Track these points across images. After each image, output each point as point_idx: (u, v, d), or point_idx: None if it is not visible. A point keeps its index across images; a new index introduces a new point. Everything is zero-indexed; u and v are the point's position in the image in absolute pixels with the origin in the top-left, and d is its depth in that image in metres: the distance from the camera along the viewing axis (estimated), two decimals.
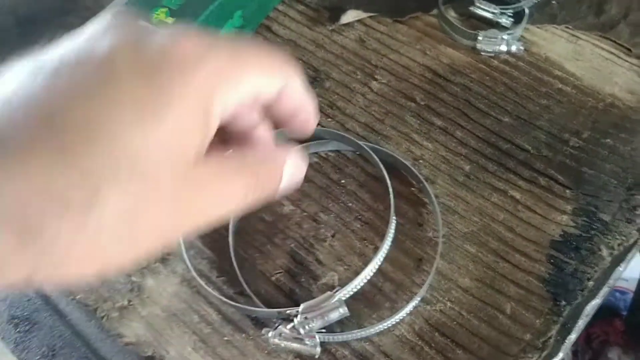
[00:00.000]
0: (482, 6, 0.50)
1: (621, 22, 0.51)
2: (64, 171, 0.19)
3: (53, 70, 0.21)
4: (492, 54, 0.48)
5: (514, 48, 0.48)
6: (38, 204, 0.19)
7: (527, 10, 0.50)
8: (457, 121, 0.46)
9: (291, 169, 0.27)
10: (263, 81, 0.25)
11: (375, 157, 0.42)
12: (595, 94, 0.47)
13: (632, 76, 0.48)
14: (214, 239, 0.42)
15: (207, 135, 0.23)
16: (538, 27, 0.51)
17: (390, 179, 0.42)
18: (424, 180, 0.42)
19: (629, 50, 0.49)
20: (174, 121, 0.21)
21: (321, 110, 0.47)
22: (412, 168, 0.43)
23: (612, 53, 0.49)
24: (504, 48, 0.48)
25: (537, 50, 0.49)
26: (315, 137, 0.45)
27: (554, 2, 0.53)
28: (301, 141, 0.43)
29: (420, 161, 0.44)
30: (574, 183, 0.42)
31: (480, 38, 0.48)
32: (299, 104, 0.28)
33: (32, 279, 0.20)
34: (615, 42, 0.50)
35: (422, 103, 0.47)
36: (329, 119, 0.47)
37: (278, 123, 0.29)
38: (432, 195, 0.41)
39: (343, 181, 0.44)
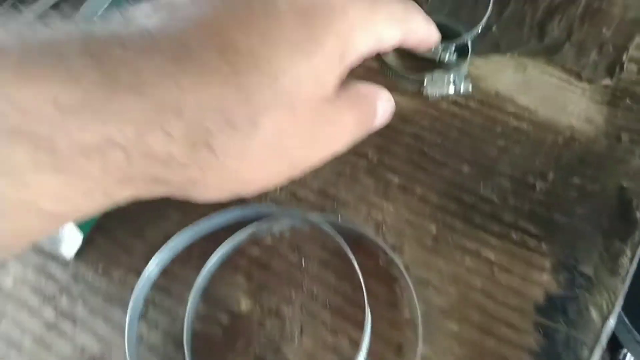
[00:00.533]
0: None
1: (566, 43, 0.49)
2: (234, 91, 0.22)
3: (221, 2, 0.24)
4: (440, 97, 0.44)
5: (462, 88, 0.44)
6: (212, 116, 0.22)
7: (470, 44, 0.47)
8: (415, 176, 0.42)
9: (384, 104, 0.31)
10: (389, 31, 0.28)
11: (332, 234, 0.38)
12: (553, 127, 0.44)
13: (587, 103, 0.45)
14: (169, 356, 0.37)
15: (340, 76, 0.26)
16: (482, 59, 0.48)
17: (355, 253, 0.38)
18: (391, 253, 0.38)
19: (578, 74, 0.47)
20: (320, 61, 0.24)
21: None
22: (376, 239, 0.39)
23: (562, 79, 0.47)
24: (452, 90, 0.45)
25: (485, 86, 0.47)
26: (264, 216, 0.40)
27: (494, 28, 0.50)
28: (250, 220, 0.39)
29: (384, 227, 0.40)
30: (548, 234, 0.39)
31: (425, 82, 0.45)
32: (420, 40, 0.31)
33: (196, 184, 0.23)
34: (563, 67, 0.47)
35: (375, 159, 0.43)
36: (277, 190, 0.42)
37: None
38: (402, 269, 0.38)
39: (303, 263, 0.39)
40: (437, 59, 0.46)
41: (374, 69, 0.48)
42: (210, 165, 0.23)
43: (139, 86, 0.21)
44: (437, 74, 0.44)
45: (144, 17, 0.24)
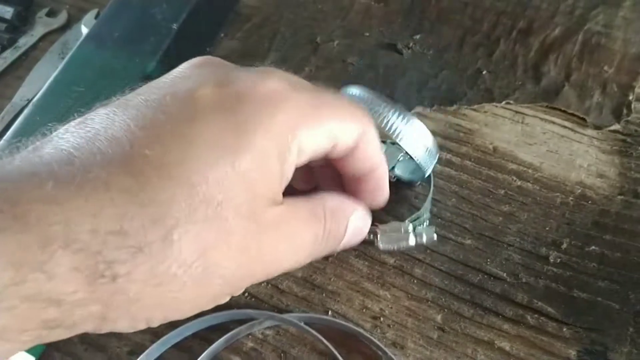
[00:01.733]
0: None
1: (565, 84, 0.44)
2: (139, 209, 0.19)
3: (136, 111, 0.20)
4: (397, 250, 0.37)
5: (425, 238, 0.35)
6: (113, 241, 0.18)
7: (432, 177, 0.40)
8: (412, 254, 0.37)
9: (356, 222, 0.29)
10: (341, 127, 0.25)
11: (321, 337, 0.33)
12: (561, 186, 0.39)
13: (596, 154, 0.40)
14: None
15: (282, 179, 0.23)
16: (475, 110, 0.43)
17: (350, 354, 0.33)
18: (391, 353, 0.33)
19: (583, 119, 0.42)
20: (252, 161, 0.21)
21: None
22: (373, 336, 0.34)
23: (566, 127, 0.42)
24: (412, 241, 0.35)
25: (481, 142, 0.42)
26: (242, 320, 0.35)
27: (484, 72, 0.45)
28: (227, 325, 0.34)
29: (381, 319, 0.35)
30: (569, 315, 0.34)
31: (379, 235, 0.35)
32: (374, 158, 0.28)
33: (104, 319, 0.20)
34: (565, 112, 0.43)
35: (366, 238, 0.38)
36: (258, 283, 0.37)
37: (350, 184, 0.30)
38: None
39: None
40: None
41: None
42: (115, 298, 0.19)
43: (16, 221, 0.18)
44: (392, 226, 0.35)
45: (53, 141, 0.21)
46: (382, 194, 0.31)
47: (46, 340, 0.20)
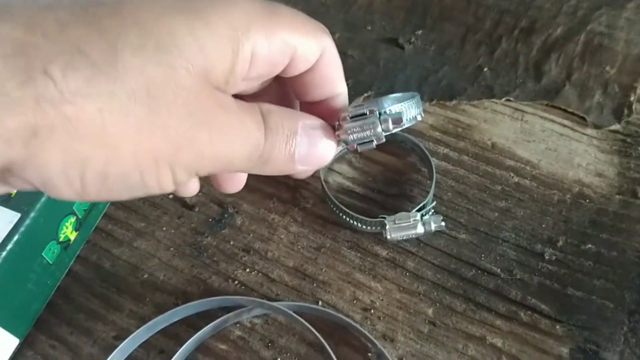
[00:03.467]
0: None
1: (566, 83, 0.44)
2: (84, 26, 0.18)
3: None
4: (405, 239, 0.36)
5: (433, 226, 0.35)
6: (55, 40, 0.17)
7: (434, 167, 0.39)
8: (405, 247, 0.37)
9: (310, 135, 0.25)
10: (300, 39, 0.24)
11: (311, 327, 0.32)
12: (559, 183, 0.39)
13: (595, 153, 0.40)
14: None
15: (232, 67, 0.22)
16: (474, 106, 0.43)
17: (339, 346, 0.32)
18: (381, 345, 0.32)
19: (583, 119, 0.42)
20: (206, 35, 0.20)
21: (235, 259, 0.37)
22: (363, 328, 0.33)
23: (565, 126, 0.41)
24: (420, 230, 0.35)
25: (480, 137, 0.41)
26: (230, 308, 0.34)
27: (485, 69, 0.45)
28: (215, 312, 0.33)
29: (372, 311, 0.34)
30: (563, 312, 0.34)
31: (387, 226, 0.35)
32: (335, 81, 0.26)
33: (39, 135, 0.17)
34: (565, 110, 0.42)
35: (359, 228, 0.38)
36: (247, 270, 0.37)
37: (308, 103, 0.27)
38: None
39: (278, 359, 0.33)
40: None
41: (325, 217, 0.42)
42: (52, 104, 0.17)
43: None
44: (400, 215, 0.35)
45: None
46: (342, 103, 0.28)
47: None
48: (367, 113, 0.26)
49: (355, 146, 0.27)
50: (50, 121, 0.18)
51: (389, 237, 0.35)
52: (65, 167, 0.19)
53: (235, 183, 0.30)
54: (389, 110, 0.27)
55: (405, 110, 0.27)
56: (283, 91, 0.29)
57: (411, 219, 0.35)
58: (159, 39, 0.19)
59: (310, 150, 0.25)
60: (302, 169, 0.25)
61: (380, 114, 0.26)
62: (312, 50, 0.25)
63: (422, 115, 0.28)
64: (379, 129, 0.26)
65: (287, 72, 0.25)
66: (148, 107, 0.19)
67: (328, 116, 0.27)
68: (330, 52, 0.26)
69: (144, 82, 0.19)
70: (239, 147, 0.23)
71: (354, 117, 0.26)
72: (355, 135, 0.26)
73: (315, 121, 0.26)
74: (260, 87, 0.27)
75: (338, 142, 0.27)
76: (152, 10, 0.20)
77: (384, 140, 0.27)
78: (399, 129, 0.27)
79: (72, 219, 0.36)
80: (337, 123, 0.27)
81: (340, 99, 0.28)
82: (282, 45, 0.23)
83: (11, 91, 0.17)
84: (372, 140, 0.26)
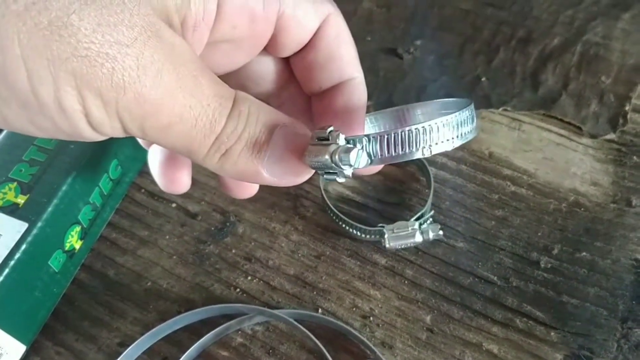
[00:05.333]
0: None
1: (562, 93, 0.44)
2: None
3: None
4: (404, 247, 0.37)
5: (431, 235, 0.36)
6: None
7: (432, 176, 0.40)
8: (403, 255, 0.38)
9: (286, 143, 0.20)
10: (305, 7, 0.21)
11: (311, 334, 0.33)
12: (555, 192, 0.39)
13: (590, 162, 0.41)
14: None
15: (185, 3, 0.18)
16: None
17: (338, 353, 0.33)
18: (380, 353, 0.33)
19: (579, 128, 0.42)
20: None
21: (237, 267, 0.38)
22: (362, 335, 0.34)
23: (562, 136, 0.42)
24: (419, 238, 0.36)
25: (477, 147, 0.42)
26: (232, 315, 0.35)
27: (483, 79, 0.46)
28: (217, 319, 0.34)
29: (371, 318, 0.35)
30: (557, 319, 0.34)
31: (385, 235, 0.36)
32: (345, 59, 0.22)
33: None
34: (562, 120, 0.43)
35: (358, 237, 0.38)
36: (249, 278, 0.37)
37: (318, 105, 0.23)
38: None
39: None
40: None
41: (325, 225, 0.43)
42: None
43: None
44: (399, 224, 0.36)
45: None
46: (353, 120, 0.23)
47: None
48: (409, 228, 0.27)
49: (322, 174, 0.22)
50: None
51: (387, 245, 0.36)
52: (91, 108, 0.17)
53: (246, 187, 0.28)
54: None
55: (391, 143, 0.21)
56: (302, 103, 0.26)
57: (409, 228, 0.35)
58: None
59: (282, 161, 0.20)
60: (269, 180, 0.21)
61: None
62: (306, 12, 0.21)
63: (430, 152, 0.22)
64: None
65: (281, 44, 0.22)
66: (161, 52, 0.17)
67: (341, 109, 0.23)
68: (335, 22, 0.22)
69: (148, 25, 0.17)
70: (186, 107, 0.18)
71: (318, 140, 0.21)
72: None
73: (301, 128, 0.21)
74: (256, 69, 0.24)
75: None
76: None
77: (350, 177, 0.21)
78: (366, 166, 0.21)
79: (78, 229, 0.37)
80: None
81: (353, 85, 0.23)
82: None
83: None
84: (336, 174, 0.21)
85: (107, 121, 0.18)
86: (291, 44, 0.22)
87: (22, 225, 0.33)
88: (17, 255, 0.33)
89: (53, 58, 0.16)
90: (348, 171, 0.20)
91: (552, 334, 0.34)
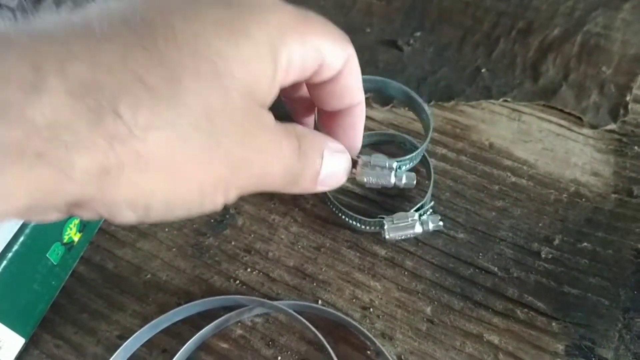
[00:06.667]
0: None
1: (563, 84, 0.44)
2: (145, 53, 0.18)
3: None
4: (404, 239, 0.37)
5: (431, 225, 0.36)
6: (119, 76, 0.17)
7: (432, 167, 0.39)
8: (404, 246, 0.37)
9: (333, 158, 0.26)
10: (329, 46, 0.24)
11: (311, 326, 0.33)
12: (556, 183, 0.39)
13: (591, 152, 0.40)
14: None
15: (274, 80, 0.22)
16: (472, 107, 0.43)
17: (339, 344, 0.33)
18: (380, 344, 0.33)
19: (580, 119, 0.42)
20: (251, 50, 0.21)
21: (237, 259, 0.38)
22: (362, 326, 0.34)
23: (562, 126, 0.42)
24: (419, 229, 0.36)
25: (478, 138, 0.42)
26: (232, 307, 0.35)
27: (483, 70, 0.45)
28: (217, 311, 0.34)
29: (371, 309, 0.35)
30: (558, 310, 0.34)
31: (385, 226, 0.36)
32: (355, 91, 0.27)
33: (110, 173, 0.18)
34: (562, 111, 0.43)
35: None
36: (249, 270, 0.37)
37: (325, 120, 0.29)
38: None
39: (279, 358, 0.34)
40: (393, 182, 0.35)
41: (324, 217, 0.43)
42: (123, 142, 0.17)
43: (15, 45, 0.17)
44: (398, 215, 0.36)
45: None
46: (355, 134, 0.30)
47: (42, 207, 0.18)
48: (409, 219, 0.34)
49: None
50: (121, 159, 0.18)
51: (387, 236, 0.35)
52: (132, 199, 0.19)
53: None
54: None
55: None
56: (302, 96, 0.30)
57: (409, 219, 0.35)
58: (211, 62, 0.20)
59: (331, 173, 0.27)
60: (321, 189, 0.27)
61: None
62: (338, 58, 0.25)
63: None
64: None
65: (312, 79, 0.26)
66: (208, 133, 0.20)
67: (347, 125, 0.29)
68: (353, 62, 0.26)
69: (203, 108, 0.20)
70: (277, 169, 0.24)
71: (374, 166, 0.32)
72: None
73: (338, 145, 0.28)
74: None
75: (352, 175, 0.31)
76: (201, 29, 0.20)
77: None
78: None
79: (76, 221, 0.37)
80: (357, 161, 0.32)
81: (358, 109, 0.29)
82: (314, 52, 0.24)
83: (82, 131, 0.17)
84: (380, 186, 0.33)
85: (235, 199, 0.23)
86: (318, 80, 0.26)
87: None
88: (15, 248, 0.32)
89: (217, 183, 0.21)
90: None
91: (553, 324, 0.34)
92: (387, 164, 0.33)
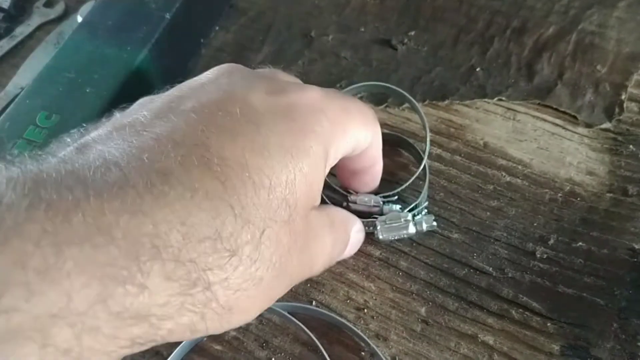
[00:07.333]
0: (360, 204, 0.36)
1: (558, 83, 0.44)
2: (229, 211, 0.19)
3: (194, 115, 0.20)
4: (397, 239, 0.37)
5: (424, 226, 0.36)
6: (205, 249, 0.18)
7: (427, 167, 0.38)
8: (398, 247, 0.37)
9: (357, 234, 0.31)
10: (363, 133, 0.27)
11: (304, 327, 0.33)
12: (551, 182, 0.39)
13: (586, 151, 0.40)
14: None
15: (323, 177, 0.24)
16: (467, 106, 0.43)
17: (333, 345, 0.33)
18: (374, 345, 0.33)
19: (575, 117, 0.42)
20: (310, 165, 0.22)
21: None
22: (356, 327, 0.34)
23: (557, 125, 0.42)
24: (412, 230, 0.35)
25: (472, 137, 0.41)
26: None
27: (478, 69, 0.45)
28: None
29: (365, 310, 0.35)
30: (554, 310, 0.34)
31: (378, 226, 0.35)
32: (377, 157, 0.31)
33: (193, 331, 0.19)
34: (557, 110, 0.42)
35: None
36: None
37: (348, 175, 0.33)
38: None
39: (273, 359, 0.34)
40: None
41: None
42: (208, 307, 0.19)
43: (100, 233, 0.16)
44: (392, 215, 0.35)
45: (100, 144, 0.19)
46: (375, 184, 0.35)
47: (129, 353, 0.19)
48: (402, 220, 0.34)
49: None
50: (210, 315, 0.20)
51: (380, 237, 0.35)
52: (210, 332, 0.21)
53: None
54: (421, 215, 0.36)
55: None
56: None
57: (402, 219, 0.35)
58: (274, 194, 0.21)
59: (352, 248, 0.31)
60: (341, 259, 0.31)
61: (413, 216, 0.35)
62: (368, 140, 0.28)
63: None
64: (412, 231, 0.35)
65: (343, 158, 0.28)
66: (278, 270, 0.21)
67: (365, 181, 0.33)
68: (377, 138, 0.29)
69: (274, 251, 0.21)
70: (321, 263, 0.26)
71: (390, 224, 0.35)
72: (389, 236, 0.35)
73: (360, 224, 0.31)
74: None
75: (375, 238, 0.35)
76: (256, 156, 0.21)
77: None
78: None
79: None
80: (375, 224, 0.35)
81: (376, 168, 0.32)
82: (354, 141, 0.26)
83: (172, 304, 0.18)
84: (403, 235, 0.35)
85: None
86: (348, 157, 0.28)
87: None
88: None
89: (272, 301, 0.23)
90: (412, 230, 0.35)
91: (549, 324, 0.34)
92: (402, 219, 0.35)
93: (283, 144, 0.22)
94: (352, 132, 0.26)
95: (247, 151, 0.20)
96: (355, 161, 0.30)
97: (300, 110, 0.23)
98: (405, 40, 0.48)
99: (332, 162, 0.25)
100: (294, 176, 0.22)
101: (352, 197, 0.36)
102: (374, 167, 0.32)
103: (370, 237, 0.37)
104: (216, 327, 0.20)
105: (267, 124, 0.22)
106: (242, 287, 0.20)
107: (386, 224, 0.35)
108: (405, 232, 0.35)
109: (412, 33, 0.48)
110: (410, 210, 0.36)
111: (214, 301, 0.19)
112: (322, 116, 0.24)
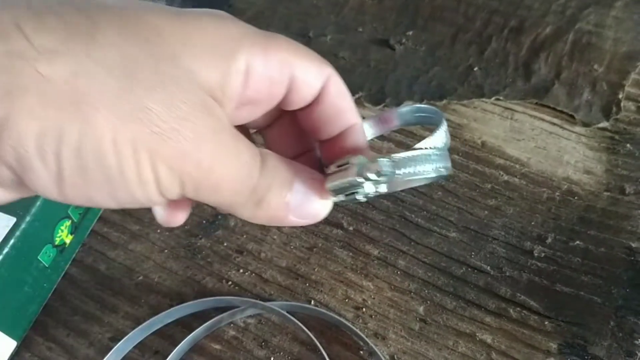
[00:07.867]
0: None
1: (555, 82, 0.44)
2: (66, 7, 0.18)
3: None
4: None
5: (383, 188, 0.21)
6: (20, 7, 0.17)
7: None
8: (396, 246, 0.37)
9: (305, 188, 0.23)
10: (298, 62, 0.23)
11: (303, 326, 0.33)
12: (548, 181, 0.39)
13: (583, 150, 0.40)
14: None
15: (225, 77, 0.21)
16: (464, 105, 0.43)
17: (332, 344, 0.33)
18: (372, 344, 0.33)
19: (572, 117, 0.42)
20: (202, 48, 0.20)
21: (229, 260, 0.37)
22: (355, 326, 0.34)
23: (554, 124, 0.42)
24: (361, 197, 0.22)
25: (470, 136, 0.42)
26: (224, 308, 0.35)
27: (475, 69, 0.45)
28: (209, 312, 0.34)
29: (364, 309, 0.35)
30: (551, 308, 0.34)
31: (384, 166, 0.21)
32: (346, 110, 0.25)
33: (6, 88, 0.17)
34: (554, 109, 0.43)
35: (351, 228, 0.38)
36: (241, 271, 0.37)
37: (327, 151, 0.26)
38: None
39: (272, 359, 0.34)
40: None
41: None
42: (28, 61, 0.17)
43: None
44: (409, 152, 0.22)
45: None
46: (364, 153, 0.26)
47: None
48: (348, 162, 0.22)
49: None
50: (24, 80, 0.17)
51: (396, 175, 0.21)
52: (39, 138, 0.18)
53: (177, 216, 0.26)
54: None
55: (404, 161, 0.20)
56: (298, 130, 0.28)
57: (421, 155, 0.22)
58: (143, 30, 0.19)
59: (305, 202, 0.24)
60: (295, 221, 0.24)
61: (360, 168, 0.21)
62: (312, 74, 0.24)
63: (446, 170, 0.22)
64: (431, 169, 0.21)
65: (292, 101, 0.24)
66: (128, 86, 0.18)
67: (349, 152, 0.26)
68: (336, 81, 0.25)
69: (122, 59, 0.18)
70: (231, 168, 0.21)
71: (338, 167, 0.23)
72: (338, 185, 0.22)
73: (314, 174, 0.24)
74: (267, 121, 0.27)
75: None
76: (145, 13, 0.20)
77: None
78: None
79: (68, 223, 0.37)
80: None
81: (357, 130, 0.26)
82: (279, 63, 0.23)
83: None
84: (355, 193, 0.22)
85: (173, 187, 0.20)
86: (299, 101, 0.25)
87: (10, 220, 0.33)
88: (5, 250, 0.32)
89: (134, 139, 0.18)
90: (369, 188, 0.21)
91: (546, 323, 0.34)
92: (421, 154, 0.22)
93: (169, 14, 0.21)
94: (278, 54, 0.22)
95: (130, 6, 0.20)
96: (316, 114, 0.25)
97: (207, 12, 0.22)
98: (403, 40, 0.48)
99: (246, 72, 0.22)
100: (170, 30, 0.20)
101: (395, 155, 0.22)
102: (349, 130, 0.26)
103: (369, 236, 0.37)
104: (38, 108, 0.17)
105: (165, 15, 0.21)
106: (65, 60, 0.18)
107: (404, 158, 0.21)
108: (432, 166, 0.22)
109: (410, 33, 0.48)
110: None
111: (31, 60, 0.17)
112: (230, 20, 0.22)
